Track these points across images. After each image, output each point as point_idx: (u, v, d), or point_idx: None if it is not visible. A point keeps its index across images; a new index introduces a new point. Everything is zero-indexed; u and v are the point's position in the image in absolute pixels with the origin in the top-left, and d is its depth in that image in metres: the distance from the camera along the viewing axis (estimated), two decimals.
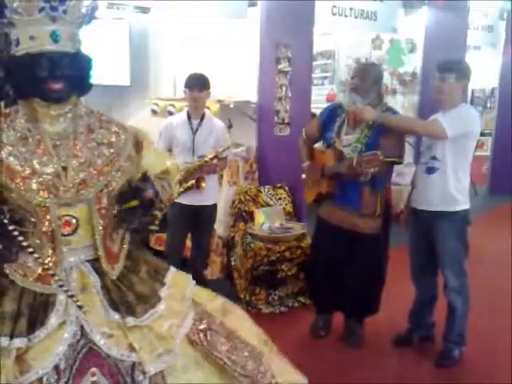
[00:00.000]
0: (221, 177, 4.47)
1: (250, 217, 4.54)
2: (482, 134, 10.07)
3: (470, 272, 3.40)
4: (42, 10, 1.66)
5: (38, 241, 1.72)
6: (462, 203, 3.29)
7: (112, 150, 1.82)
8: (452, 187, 3.25)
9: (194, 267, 4.14)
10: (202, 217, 3.93)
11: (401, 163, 3.48)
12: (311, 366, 3.37)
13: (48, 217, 1.70)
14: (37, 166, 1.70)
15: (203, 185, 3.75)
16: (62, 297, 1.73)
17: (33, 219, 1.71)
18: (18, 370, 1.61)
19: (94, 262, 1.81)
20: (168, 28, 5.29)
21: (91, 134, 1.82)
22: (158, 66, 5.39)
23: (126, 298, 1.79)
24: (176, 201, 3.83)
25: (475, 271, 3.53)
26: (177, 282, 1.94)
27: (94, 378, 1.67)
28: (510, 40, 8.24)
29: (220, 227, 4.53)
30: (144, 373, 1.71)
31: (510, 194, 7.96)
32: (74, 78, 1.72)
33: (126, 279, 1.84)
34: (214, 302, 2.00)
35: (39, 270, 1.72)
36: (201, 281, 4.23)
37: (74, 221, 1.75)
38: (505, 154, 8.34)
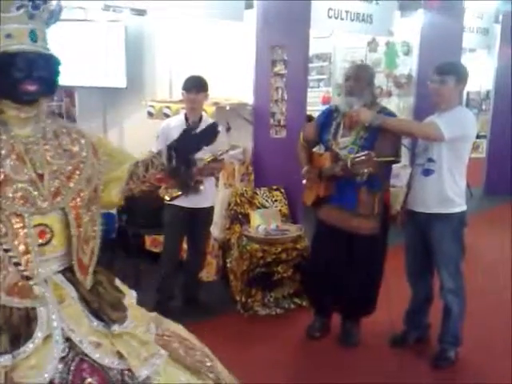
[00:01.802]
0: (217, 179, 4.47)
1: (245, 219, 4.53)
2: (478, 137, 10.08)
3: (465, 273, 3.41)
4: (20, 7, 1.60)
5: (8, 252, 1.64)
6: (459, 205, 3.31)
7: (77, 159, 1.78)
8: (448, 189, 3.26)
9: (190, 269, 4.15)
10: (198, 219, 3.93)
11: (398, 162, 3.50)
12: (307, 367, 3.40)
13: (23, 226, 1.63)
14: (9, 172, 1.63)
15: (201, 187, 3.76)
16: (42, 309, 1.68)
17: (4, 229, 1.62)
18: None
19: (65, 273, 1.78)
20: (164, 30, 5.30)
21: (57, 139, 1.77)
22: (153, 68, 5.39)
23: (102, 307, 1.78)
24: (172, 203, 3.84)
25: (470, 272, 3.55)
26: (125, 291, 1.94)
27: None
28: (505, 43, 8.26)
29: (216, 229, 4.53)
30: (132, 379, 1.70)
31: (505, 195, 7.99)
32: (47, 80, 1.68)
33: (94, 289, 1.83)
34: (148, 312, 2.02)
35: (11, 283, 1.64)
36: (196, 283, 4.27)
37: (48, 230, 1.70)
38: (500, 157, 8.36)
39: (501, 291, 4.50)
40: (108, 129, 5.52)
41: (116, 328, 1.73)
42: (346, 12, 5.76)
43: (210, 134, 1.83)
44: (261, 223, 4.40)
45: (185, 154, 1.79)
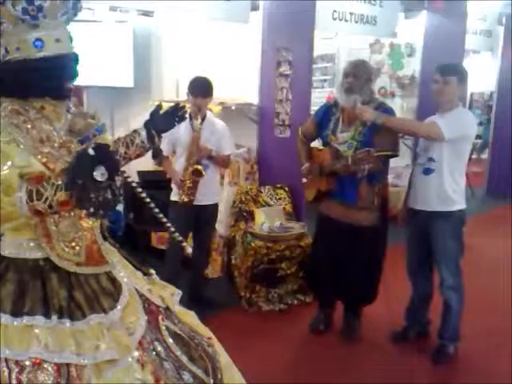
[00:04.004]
0: (222, 177, 4.54)
1: (250, 216, 4.61)
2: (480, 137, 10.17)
3: (468, 272, 3.47)
4: (65, 13, 1.74)
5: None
6: (458, 203, 3.37)
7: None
8: (448, 188, 3.32)
9: (196, 266, 4.21)
10: (203, 216, 3.99)
11: (397, 156, 3.55)
12: (310, 362, 3.46)
13: None
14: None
15: (203, 172, 3.79)
16: (115, 270, 1.92)
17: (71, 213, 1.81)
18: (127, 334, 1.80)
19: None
20: (171, 31, 5.37)
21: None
22: (161, 69, 5.46)
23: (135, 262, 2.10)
24: (177, 200, 3.91)
25: (472, 271, 3.59)
26: None
27: (165, 323, 1.97)
28: (508, 44, 8.31)
29: (221, 226, 4.60)
30: (171, 315, 2.04)
31: (507, 195, 8.04)
32: (74, 77, 1.84)
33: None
34: None
35: (89, 253, 1.85)
36: (202, 279, 4.32)
37: None
38: (502, 157, 8.41)
39: (502, 290, 4.56)
40: (115, 128, 5.60)
41: (155, 276, 2.13)
42: (351, 14, 5.82)
43: (179, 112, 2.28)
44: (265, 221, 4.46)
45: (163, 131, 2.22)
